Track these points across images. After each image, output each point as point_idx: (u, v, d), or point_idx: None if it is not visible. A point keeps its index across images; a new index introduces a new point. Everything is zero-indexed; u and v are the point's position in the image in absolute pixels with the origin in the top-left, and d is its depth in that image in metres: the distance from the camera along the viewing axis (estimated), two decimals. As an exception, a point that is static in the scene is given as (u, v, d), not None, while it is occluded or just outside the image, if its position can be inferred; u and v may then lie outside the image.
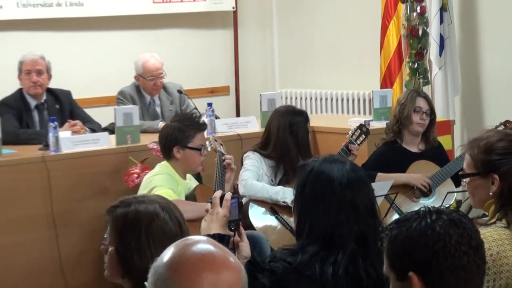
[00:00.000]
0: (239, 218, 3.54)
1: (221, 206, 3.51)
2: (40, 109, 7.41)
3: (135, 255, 3.13)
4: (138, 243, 3.14)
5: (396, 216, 5.75)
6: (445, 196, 6.05)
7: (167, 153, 6.09)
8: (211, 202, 3.54)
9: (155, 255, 3.03)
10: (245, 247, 3.53)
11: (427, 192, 6.27)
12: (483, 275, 2.72)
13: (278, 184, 6.35)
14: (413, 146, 6.50)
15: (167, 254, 2.23)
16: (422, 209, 2.72)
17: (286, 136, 6.43)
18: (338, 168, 3.55)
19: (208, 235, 3.34)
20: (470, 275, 2.61)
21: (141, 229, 3.14)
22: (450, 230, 2.61)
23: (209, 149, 6.25)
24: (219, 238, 3.34)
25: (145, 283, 2.23)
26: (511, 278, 3.55)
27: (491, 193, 3.69)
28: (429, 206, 2.77)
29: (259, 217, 6.23)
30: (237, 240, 3.50)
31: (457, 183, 6.21)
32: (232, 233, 3.49)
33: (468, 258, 2.59)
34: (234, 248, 3.47)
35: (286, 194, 6.11)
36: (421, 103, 6.48)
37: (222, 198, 3.52)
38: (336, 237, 3.44)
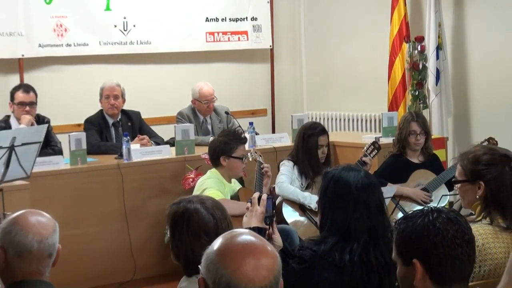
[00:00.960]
0: (273, 215, 3.57)
1: (259, 205, 3.55)
2: (116, 126, 7.43)
3: (179, 243, 3.19)
4: (181, 234, 3.19)
5: (400, 215, 5.74)
6: (440, 198, 6.01)
7: (215, 161, 6.08)
8: (251, 202, 3.56)
9: (192, 243, 3.10)
10: (277, 238, 3.54)
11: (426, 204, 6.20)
12: (473, 264, 2.72)
13: (306, 187, 6.33)
14: (414, 158, 6.45)
15: (217, 243, 2.22)
16: (425, 208, 2.74)
17: (299, 141, 6.43)
18: (354, 175, 3.58)
19: (249, 228, 3.37)
20: (462, 263, 2.62)
21: (183, 223, 3.18)
22: (448, 226, 2.63)
23: (250, 159, 6.25)
24: (257, 230, 3.34)
25: (199, 266, 2.26)
26: (493, 265, 3.57)
27: (477, 196, 3.69)
28: (431, 206, 2.81)
29: (290, 214, 6.20)
30: (270, 232, 3.51)
31: (450, 188, 6.16)
32: (267, 227, 3.53)
33: (461, 250, 2.62)
34: (269, 239, 3.51)
35: (312, 200, 6.06)
36: (414, 126, 6.38)
37: (259, 198, 3.56)
38: (352, 230, 3.46)
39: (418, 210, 2.76)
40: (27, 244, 2.87)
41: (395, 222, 2.75)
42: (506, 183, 3.63)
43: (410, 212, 2.79)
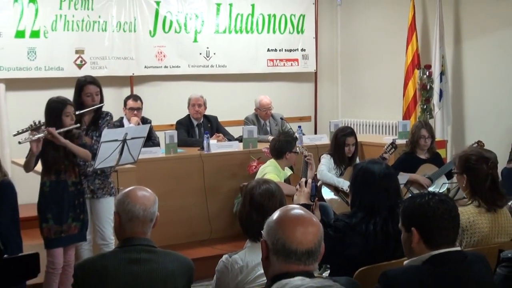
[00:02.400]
0: (315, 195, 3.56)
1: (306, 187, 3.53)
2: (199, 126, 7.44)
3: (244, 214, 3.17)
4: (244, 206, 3.19)
5: (410, 196, 5.74)
6: (441, 185, 5.95)
7: (278, 154, 6.03)
8: (300, 184, 3.56)
9: (252, 213, 3.09)
10: (317, 213, 3.54)
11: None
12: (457, 233, 2.77)
13: (340, 174, 6.28)
14: (422, 155, 6.39)
15: (276, 214, 2.23)
16: (423, 192, 2.91)
17: (333, 140, 6.42)
18: (378, 166, 3.56)
19: (298, 204, 3.38)
20: (448, 233, 2.69)
21: (247, 196, 3.18)
22: (439, 205, 2.70)
23: (299, 152, 6.25)
24: (305, 205, 3.36)
25: (261, 231, 2.25)
26: (481, 236, 3.60)
27: (463, 185, 3.78)
28: (430, 191, 2.83)
29: (328, 194, 6.18)
30: (313, 207, 3.51)
31: (448, 178, 6.13)
32: (312, 203, 3.51)
33: (447, 223, 2.69)
34: (313, 211, 3.49)
35: (344, 184, 6.04)
36: (423, 132, 6.33)
37: (306, 182, 3.54)
38: (375, 208, 3.44)
39: (418, 193, 2.82)
40: (135, 211, 2.89)
41: (401, 201, 2.93)
42: (481, 176, 3.67)
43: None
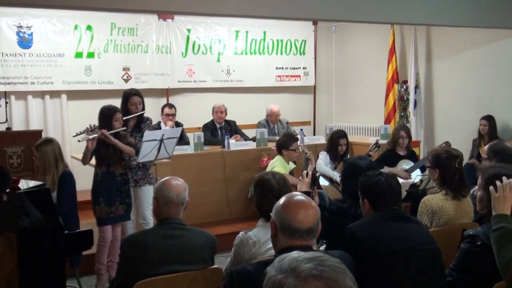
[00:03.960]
0: (315, 184, 3.54)
1: (306, 177, 3.51)
2: (221, 129, 7.41)
3: (257, 197, 3.15)
4: (258, 192, 3.14)
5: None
6: (416, 177, 5.92)
7: (280, 151, 6.02)
8: (302, 176, 3.53)
9: (264, 200, 3.06)
10: (316, 198, 3.52)
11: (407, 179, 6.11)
12: (397, 201, 2.89)
13: (334, 168, 6.23)
14: (401, 152, 6.34)
15: (282, 200, 2.21)
16: (375, 172, 3.04)
17: (329, 140, 6.36)
18: (364, 162, 3.55)
19: (301, 191, 3.35)
20: (389, 202, 2.85)
21: (260, 185, 3.14)
22: (385, 182, 2.90)
23: (300, 150, 6.21)
24: (306, 193, 3.34)
25: (270, 213, 2.23)
26: (447, 218, 3.56)
27: (435, 177, 3.72)
28: (380, 172, 3.06)
29: (324, 183, 6.14)
30: (313, 194, 3.49)
31: (422, 171, 6.09)
32: (311, 191, 3.48)
33: (389, 195, 2.86)
34: (313, 197, 3.46)
35: (336, 176, 5.97)
36: (402, 133, 6.29)
37: (307, 174, 3.52)
38: None
39: (372, 172, 3.03)
40: (170, 197, 2.89)
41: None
42: (451, 171, 3.62)
43: None
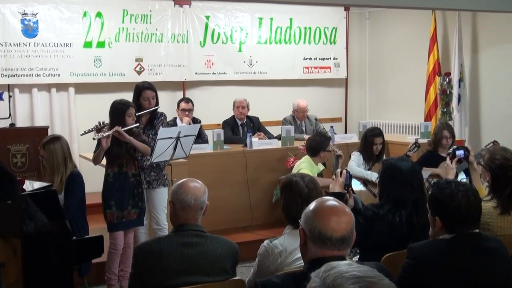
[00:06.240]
0: (349, 184, 3.50)
1: (340, 177, 3.48)
2: (242, 126, 7.43)
3: (284, 201, 3.13)
4: (285, 195, 3.13)
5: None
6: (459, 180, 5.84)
7: (314, 152, 5.93)
8: (335, 175, 3.50)
9: (292, 204, 3.04)
10: (351, 200, 3.49)
11: None
12: (477, 221, 2.69)
13: (368, 169, 6.19)
14: (443, 153, 6.22)
15: (312, 205, 2.20)
16: (450, 180, 2.79)
17: (363, 139, 6.32)
18: (404, 163, 3.47)
19: (334, 193, 3.33)
20: (467, 222, 2.62)
21: (287, 188, 3.13)
22: (462, 197, 2.62)
23: (330, 150, 6.18)
24: (339, 194, 3.32)
25: (299, 221, 2.22)
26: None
27: (487, 179, 3.65)
28: (455, 181, 2.83)
29: (357, 186, 6.07)
30: (347, 196, 3.46)
31: (467, 174, 6.00)
32: (346, 192, 3.46)
33: (468, 214, 2.62)
34: (346, 200, 3.44)
35: (372, 176, 5.99)
36: (445, 133, 6.18)
37: (341, 172, 3.49)
38: (401, 201, 3.36)
39: (445, 182, 2.75)
40: (187, 201, 2.89)
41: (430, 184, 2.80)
42: (502, 181, 3.52)
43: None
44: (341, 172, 3.48)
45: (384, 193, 3.47)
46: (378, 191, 3.59)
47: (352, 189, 3.55)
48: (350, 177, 3.50)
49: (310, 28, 9.34)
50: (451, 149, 4.00)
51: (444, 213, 2.64)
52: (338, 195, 3.19)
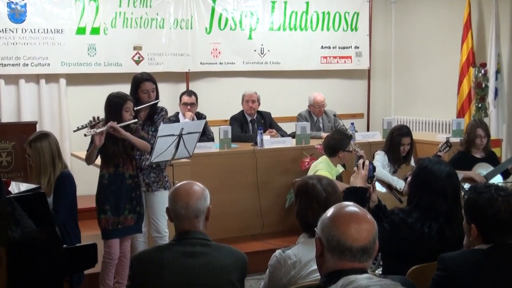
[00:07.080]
0: (373, 176, 3.48)
1: (363, 169, 3.47)
2: (252, 122, 7.44)
3: (299, 206, 3.12)
4: (301, 200, 3.12)
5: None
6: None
7: (332, 152, 5.90)
8: (357, 166, 3.49)
9: (308, 210, 3.04)
10: (374, 196, 3.48)
11: None
12: None
13: (394, 172, 6.18)
14: (477, 154, 6.21)
15: (330, 211, 2.19)
16: (489, 184, 2.74)
17: (389, 138, 6.29)
18: (442, 168, 3.42)
19: (355, 188, 3.35)
20: (507, 231, 2.59)
21: (303, 192, 3.12)
22: (501, 204, 2.59)
23: (351, 149, 6.17)
24: (362, 189, 3.31)
25: (315, 229, 2.22)
26: None
27: None
28: (494, 184, 2.77)
29: (380, 189, 6.07)
30: (371, 190, 3.45)
31: (505, 177, 5.98)
32: (369, 185, 3.44)
33: (508, 222, 2.58)
34: (370, 195, 3.43)
35: (398, 183, 6.00)
36: (480, 131, 6.14)
37: (363, 164, 3.48)
38: (432, 211, 3.32)
39: (484, 186, 2.73)
40: (177, 210, 2.92)
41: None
42: None
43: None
44: (363, 164, 3.46)
45: (414, 199, 3.43)
46: (408, 193, 3.56)
47: (375, 182, 3.52)
48: (373, 168, 3.47)
49: (328, 13, 9.33)
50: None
51: (481, 220, 2.62)
52: (360, 190, 3.18)
